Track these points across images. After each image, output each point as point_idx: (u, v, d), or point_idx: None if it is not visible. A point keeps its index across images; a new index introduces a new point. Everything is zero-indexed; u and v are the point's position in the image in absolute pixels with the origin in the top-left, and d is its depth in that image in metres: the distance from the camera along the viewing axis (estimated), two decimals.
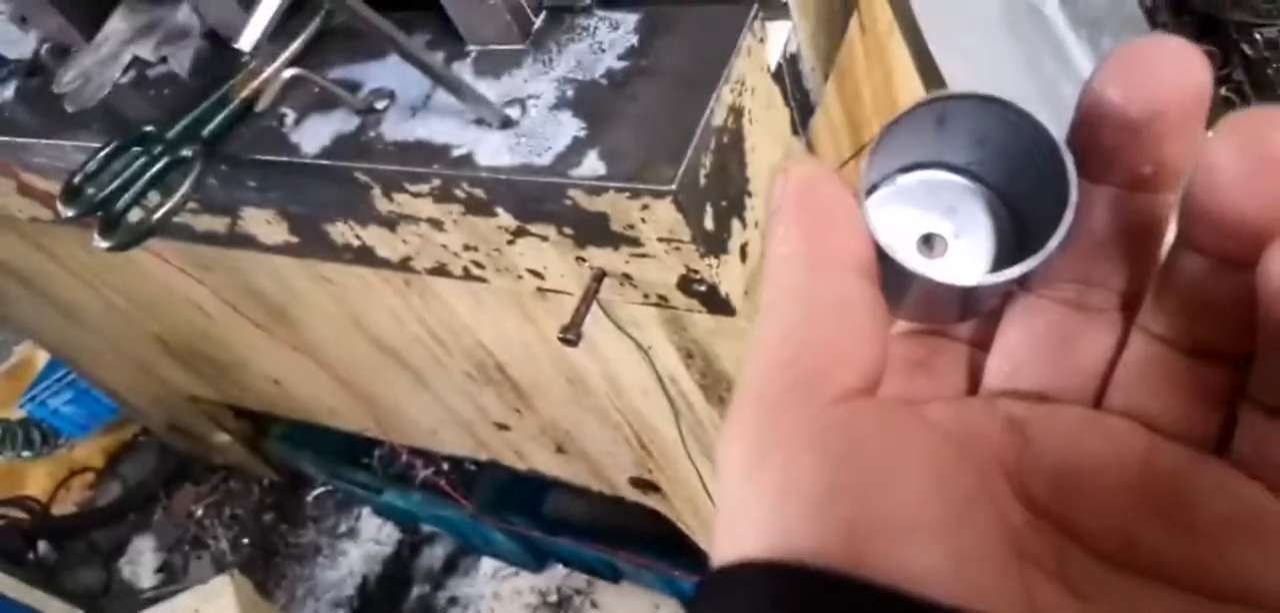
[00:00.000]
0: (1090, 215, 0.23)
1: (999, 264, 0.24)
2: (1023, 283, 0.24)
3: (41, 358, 2.22)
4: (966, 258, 0.25)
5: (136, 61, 0.84)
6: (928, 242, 0.25)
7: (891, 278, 0.23)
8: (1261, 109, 0.19)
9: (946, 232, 0.25)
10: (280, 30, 0.74)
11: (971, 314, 0.26)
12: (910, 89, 0.85)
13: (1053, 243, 0.22)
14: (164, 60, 0.82)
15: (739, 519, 0.21)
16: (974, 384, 0.26)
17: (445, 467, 1.61)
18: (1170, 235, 0.23)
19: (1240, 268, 0.20)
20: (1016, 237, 0.25)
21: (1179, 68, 0.20)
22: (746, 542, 0.20)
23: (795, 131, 0.68)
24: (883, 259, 0.23)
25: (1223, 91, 1.52)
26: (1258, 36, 1.40)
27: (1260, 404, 0.21)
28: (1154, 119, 0.21)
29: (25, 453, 2.24)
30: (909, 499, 0.20)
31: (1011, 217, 0.25)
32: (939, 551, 0.19)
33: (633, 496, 1.20)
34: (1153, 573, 0.21)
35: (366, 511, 2.03)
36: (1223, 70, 1.51)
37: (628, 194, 0.57)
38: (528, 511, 1.57)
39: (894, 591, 0.19)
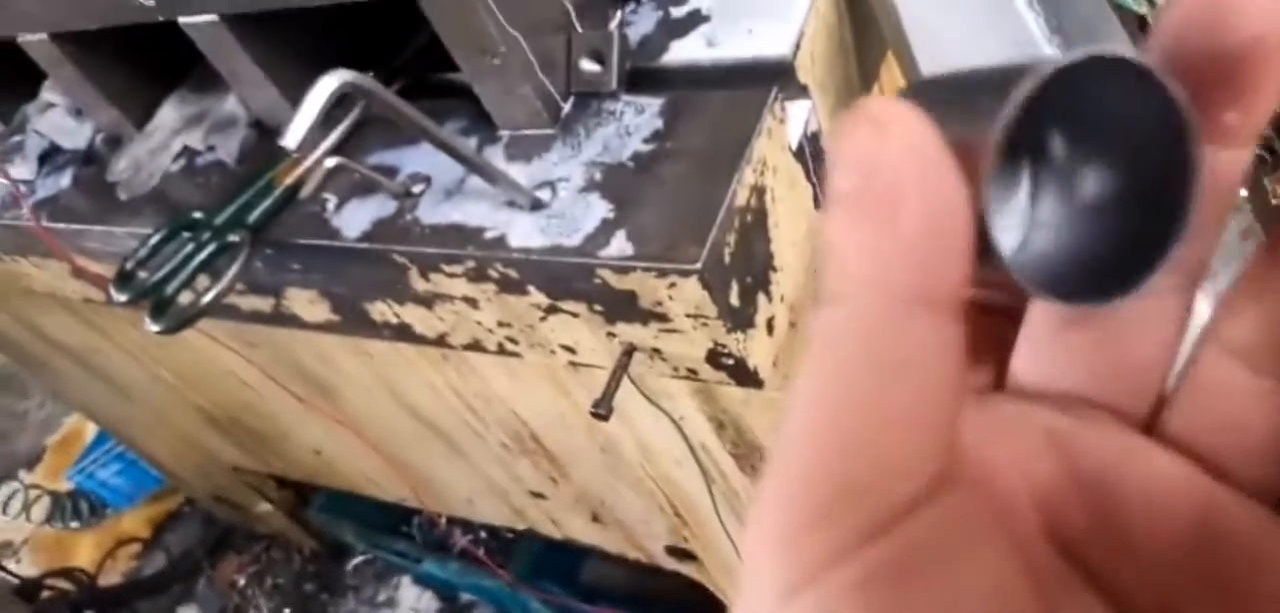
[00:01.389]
0: None
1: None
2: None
3: (90, 430, 2.28)
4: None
5: (186, 150, 0.88)
6: None
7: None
8: None
9: None
10: (322, 120, 0.78)
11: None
12: None
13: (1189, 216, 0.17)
14: (212, 149, 0.86)
15: None
16: (1000, 364, 0.21)
17: (483, 536, 1.62)
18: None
19: None
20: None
21: None
22: None
23: (819, 206, 0.70)
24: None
25: (1255, 149, 1.52)
26: None
27: None
28: (1253, 47, 0.17)
29: (73, 524, 2.28)
30: None
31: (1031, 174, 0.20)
32: None
33: (669, 564, 1.20)
34: None
35: (406, 579, 2.04)
36: None
37: (655, 273, 0.59)
38: (564, 579, 1.57)
39: None
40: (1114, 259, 0.19)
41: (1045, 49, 0.60)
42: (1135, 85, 0.17)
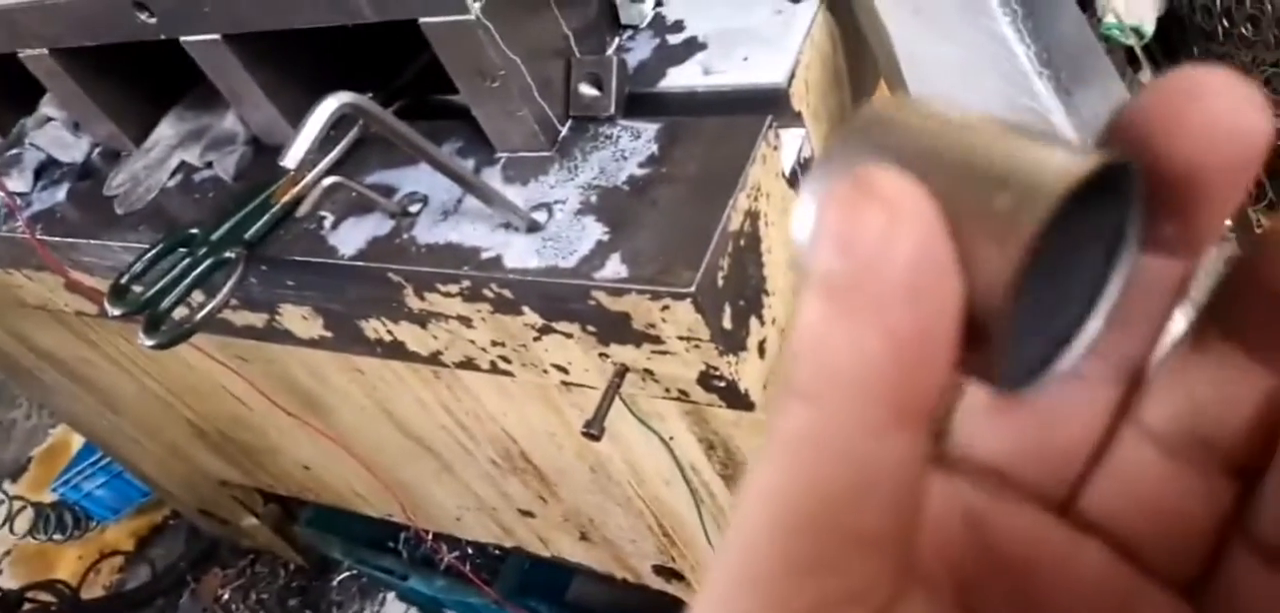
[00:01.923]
0: None
1: None
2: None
3: (76, 442, 2.27)
4: None
5: (183, 166, 0.89)
6: None
7: None
8: None
9: None
10: (321, 139, 0.79)
11: None
12: None
13: (1109, 298, 0.17)
14: (209, 165, 0.86)
15: None
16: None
17: (469, 552, 1.62)
18: (1180, 318, 0.19)
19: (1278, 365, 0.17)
20: None
21: (1238, 117, 0.16)
22: None
23: None
24: None
25: None
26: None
27: (1260, 546, 0.18)
28: (1195, 176, 0.16)
29: (57, 536, 2.27)
30: None
31: None
32: None
33: (656, 583, 1.21)
34: None
35: (391, 595, 2.03)
36: None
37: (648, 295, 0.59)
38: (551, 597, 1.57)
39: None
40: (1045, 350, 0.18)
41: (1036, 83, 0.61)
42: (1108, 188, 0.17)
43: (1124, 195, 0.17)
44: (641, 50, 0.72)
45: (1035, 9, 0.60)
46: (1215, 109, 0.16)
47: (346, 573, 2.10)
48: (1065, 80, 0.60)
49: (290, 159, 0.56)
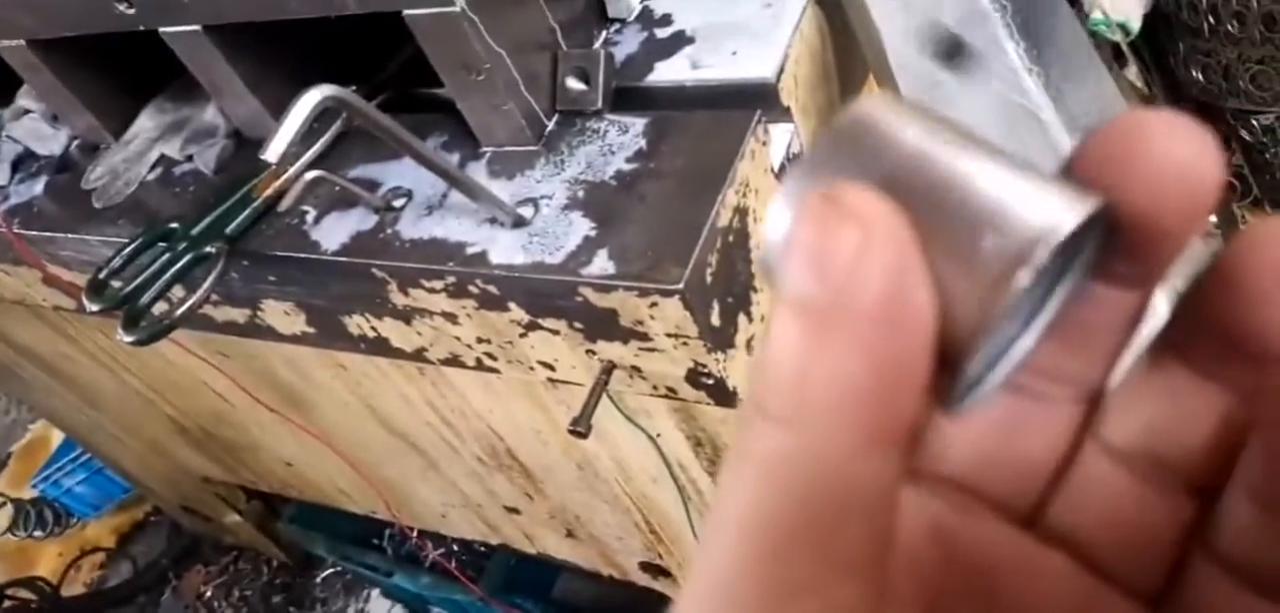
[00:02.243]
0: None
1: None
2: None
3: (56, 438, 2.24)
4: None
5: (163, 159, 0.87)
6: None
7: None
8: None
9: None
10: (304, 133, 0.77)
11: None
12: None
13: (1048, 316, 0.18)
14: (190, 158, 0.85)
15: None
16: None
17: (455, 549, 1.61)
18: (1143, 335, 0.19)
19: (1233, 388, 0.17)
20: None
21: (1190, 164, 0.16)
22: None
23: None
24: None
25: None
26: (1255, 123, 1.43)
27: (1222, 559, 0.18)
28: (1148, 221, 0.17)
29: (37, 533, 2.25)
30: None
31: None
32: None
33: (643, 580, 1.20)
34: None
35: (376, 593, 2.02)
36: (1223, 152, 1.54)
37: (636, 292, 0.59)
38: (537, 594, 1.57)
39: None
40: (982, 367, 0.18)
41: (1026, 81, 0.61)
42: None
43: (1085, 230, 0.17)
44: (629, 44, 0.71)
45: (1025, 5, 0.60)
46: (1168, 155, 0.16)
47: (331, 570, 2.09)
48: (1056, 78, 0.60)
49: (272, 153, 0.55)
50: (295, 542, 1.95)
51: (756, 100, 0.63)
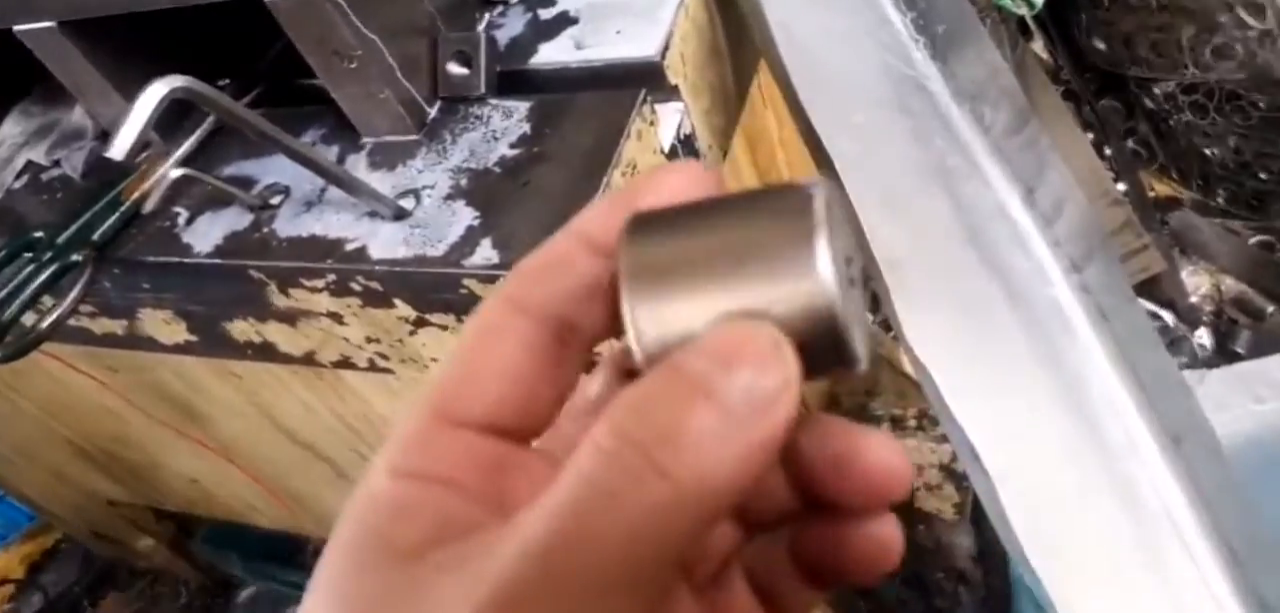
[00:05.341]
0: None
1: None
2: None
3: None
4: None
5: (30, 165, 0.83)
6: None
7: None
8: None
9: None
10: (174, 129, 0.73)
11: None
12: None
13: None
14: (57, 163, 0.80)
15: None
16: None
17: None
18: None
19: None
20: None
21: (889, 472, 0.24)
22: None
23: None
24: None
25: (1130, 144, 1.58)
26: (1156, 91, 1.46)
27: (749, 570, 0.27)
28: (850, 507, 0.24)
29: None
30: None
31: None
32: None
33: None
34: None
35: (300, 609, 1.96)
36: (1129, 124, 1.57)
37: None
38: None
39: None
40: None
41: (912, 52, 0.60)
42: None
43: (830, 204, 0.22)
44: (513, 26, 0.69)
45: None
46: (870, 465, 0.24)
47: (252, 590, 2.02)
48: (941, 46, 0.59)
49: (117, 150, 0.51)
50: (211, 562, 1.89)
51: (642, 80, 0.61)
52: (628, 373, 0.26)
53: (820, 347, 0.21)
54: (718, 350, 0.20)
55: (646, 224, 0.22)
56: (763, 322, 0.20)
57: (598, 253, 0.23)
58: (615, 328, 0.23)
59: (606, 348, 0.27)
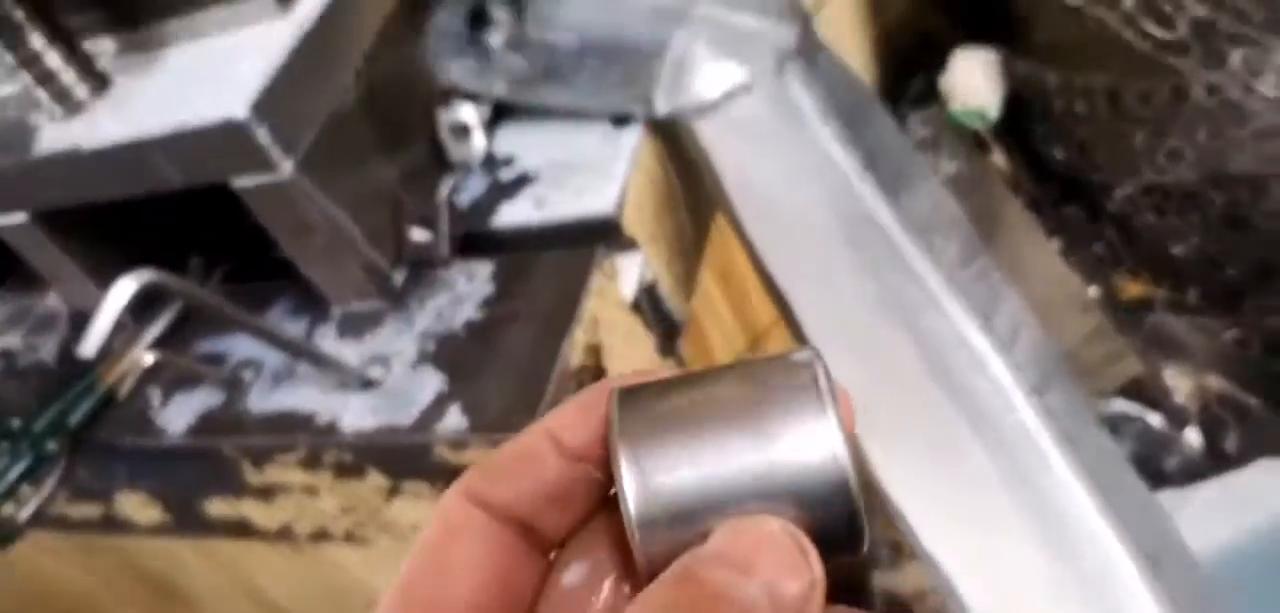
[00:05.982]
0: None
1: None
2: None
3: None
4: None
5: (5, 353, 0.83)
6: None
7: None
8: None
9: None
10: (146, 314, 0.74)
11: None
12: None
13: None
14: (32, 349, 0.81)
15: None
16: None
17: None
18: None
19: None
20: None
21: None
22: None
23: (665, 353, 0.70)
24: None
25: (1098, 248, 1.60)
26: (1117, 194, 1.49)
27: None
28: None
29: None
30: None
31: None
32: None
33: None
34: None
35: None
36: (1094, 227, 1.60)
37: (489, 444, 0.57)
38: None
39: None
40: None
41: (858, 187, 0.61)
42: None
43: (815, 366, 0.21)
44: (474, 188, 0.70)
45: (853, 120, 0.61)
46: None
47: None
48: (888, 182, 0.61)
49: (88, 347, 0.52)
50: None
51: (601, 234, 0.63)
52: (622, 564, 0.24)
53: (833, 532, 0.20)
54: (736, 557, 0.19)
55: (636, 402, 0.21)
56: (776, 517, 0.19)
57: (565, 455, 0.23)
58: (575, 533, 0.23)
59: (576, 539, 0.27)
